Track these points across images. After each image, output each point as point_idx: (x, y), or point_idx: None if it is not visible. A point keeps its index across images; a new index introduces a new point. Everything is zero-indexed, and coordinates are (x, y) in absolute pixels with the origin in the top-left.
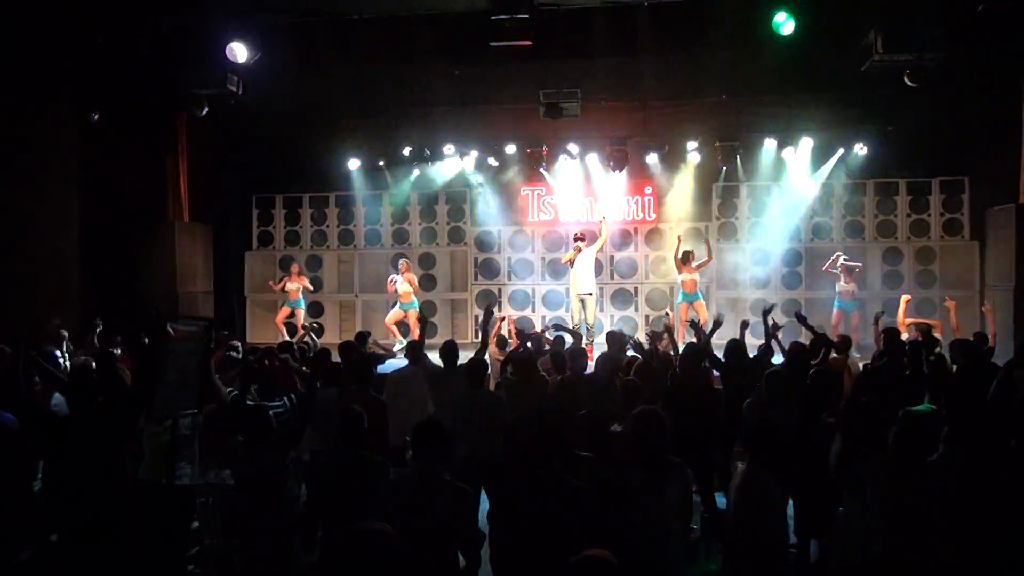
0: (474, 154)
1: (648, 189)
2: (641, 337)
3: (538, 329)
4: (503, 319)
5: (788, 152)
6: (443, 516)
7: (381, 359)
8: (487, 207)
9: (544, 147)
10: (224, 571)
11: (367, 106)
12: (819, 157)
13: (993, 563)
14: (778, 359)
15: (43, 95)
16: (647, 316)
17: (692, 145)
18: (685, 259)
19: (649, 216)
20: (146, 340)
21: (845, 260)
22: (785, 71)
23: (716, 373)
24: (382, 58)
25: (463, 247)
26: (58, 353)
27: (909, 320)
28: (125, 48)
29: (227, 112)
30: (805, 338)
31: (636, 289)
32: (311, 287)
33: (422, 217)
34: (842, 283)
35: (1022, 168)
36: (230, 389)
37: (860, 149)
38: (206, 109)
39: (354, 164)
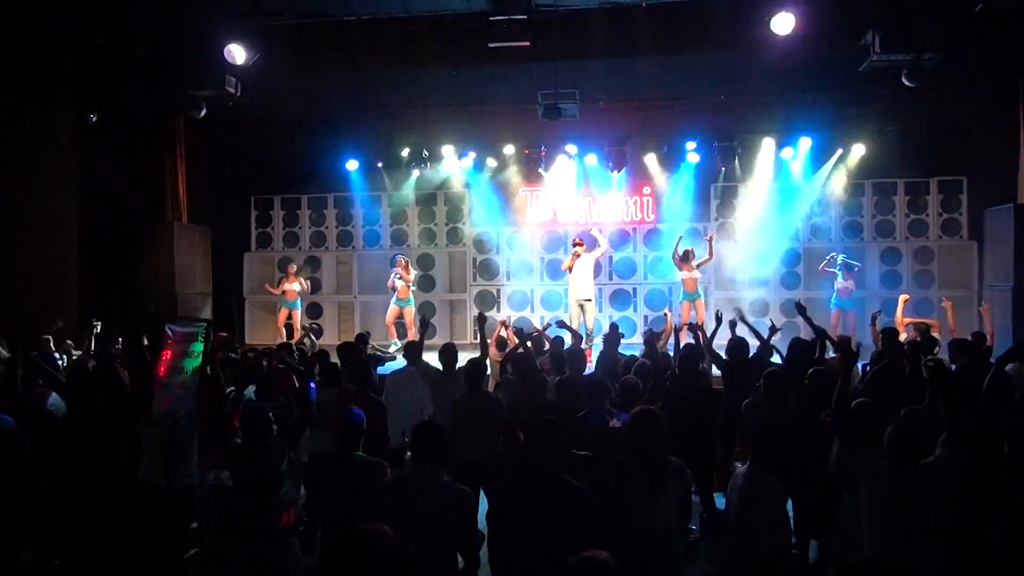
0: (472, 155)
1: (647, 189)
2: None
3: (538, 328)
4: (503, 323)
5: (787, 152)
6: (442, 517)
7: (380, 360)
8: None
9: (542, 148)
10: (223, 572)
11: (365, 107)
12: (818, 157)
13: (988, 565)
14: (777, 360)
15: (42, 97)
16: (646, 316)
17: (691, 145)
18: (685, 258)
19: (648, 216)
20: (146, 340)
21: (845, 260)
22: (783, 71)
23: (716, 373)
24: (380, 59)
25: (461, 248)
26: (57, 355)
27: (907, 320)
28: (124, 50)
29: (225, 113)
30: (805, 334)
31: (635, 290)
32: (307, 286)
33: (420, 218)
34: (840, 281)
35: (1020, 168)
36: (229, 389)
37: (858, 149)
38: (204, 110)
39: (352, 165)
